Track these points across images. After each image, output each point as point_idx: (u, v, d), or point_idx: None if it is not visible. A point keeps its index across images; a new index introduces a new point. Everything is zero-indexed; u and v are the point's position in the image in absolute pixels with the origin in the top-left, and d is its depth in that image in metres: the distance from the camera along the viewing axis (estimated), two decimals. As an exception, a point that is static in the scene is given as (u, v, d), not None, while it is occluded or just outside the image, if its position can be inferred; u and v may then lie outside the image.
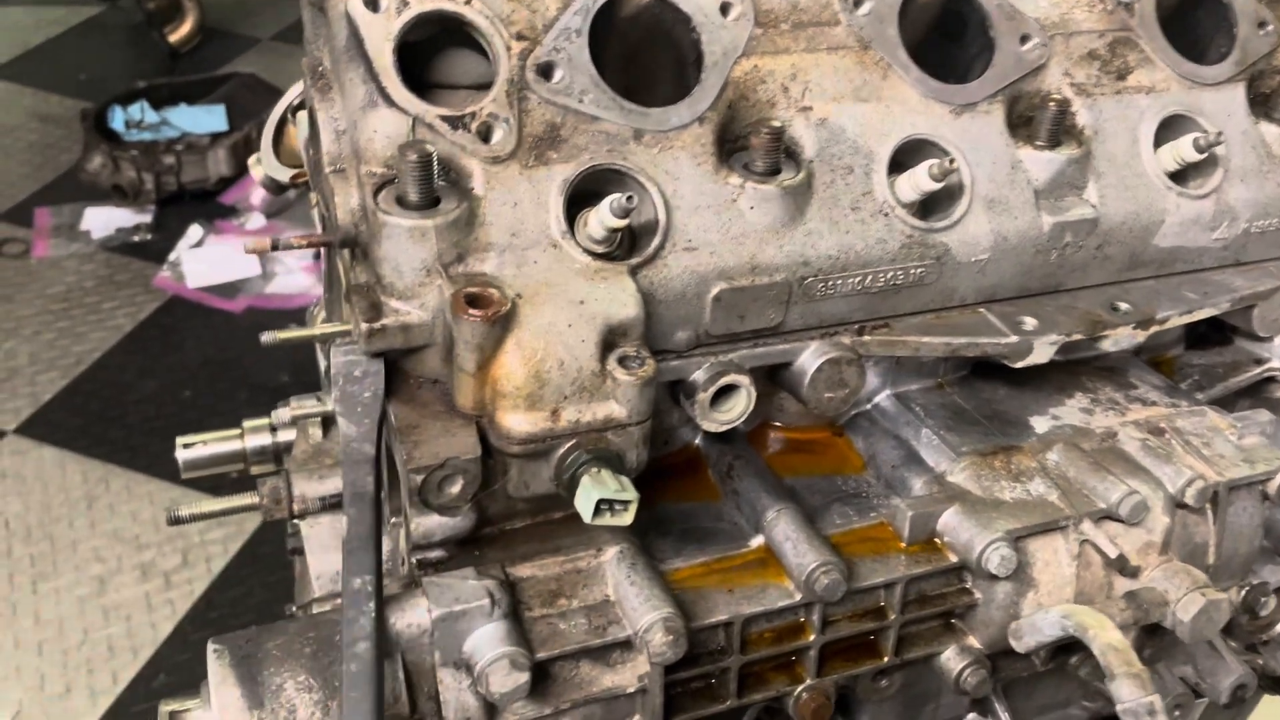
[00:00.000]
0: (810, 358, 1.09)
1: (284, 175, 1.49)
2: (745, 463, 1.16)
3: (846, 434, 1.24)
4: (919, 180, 1.07)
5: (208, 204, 4.68)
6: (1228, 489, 1.15)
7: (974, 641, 1.13)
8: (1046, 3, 1.19)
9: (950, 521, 1.10)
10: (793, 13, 1.10)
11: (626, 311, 0.96)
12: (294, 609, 1.43)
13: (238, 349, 3.99)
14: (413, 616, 0.94)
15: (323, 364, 1.53)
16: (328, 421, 1.46)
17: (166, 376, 3.88)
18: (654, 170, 1.02)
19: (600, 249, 0.99)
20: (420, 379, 0.99)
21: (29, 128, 5.24)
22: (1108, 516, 1.11)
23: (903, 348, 1.12)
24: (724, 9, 1.06)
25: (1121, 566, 1.11)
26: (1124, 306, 1.19)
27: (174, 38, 5.74)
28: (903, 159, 1.10)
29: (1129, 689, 1.01)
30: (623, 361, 0.96)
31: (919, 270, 1.11)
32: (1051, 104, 1.14)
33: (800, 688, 1.09)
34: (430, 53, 1.05)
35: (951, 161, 1.05)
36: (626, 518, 0.92)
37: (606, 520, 0.92)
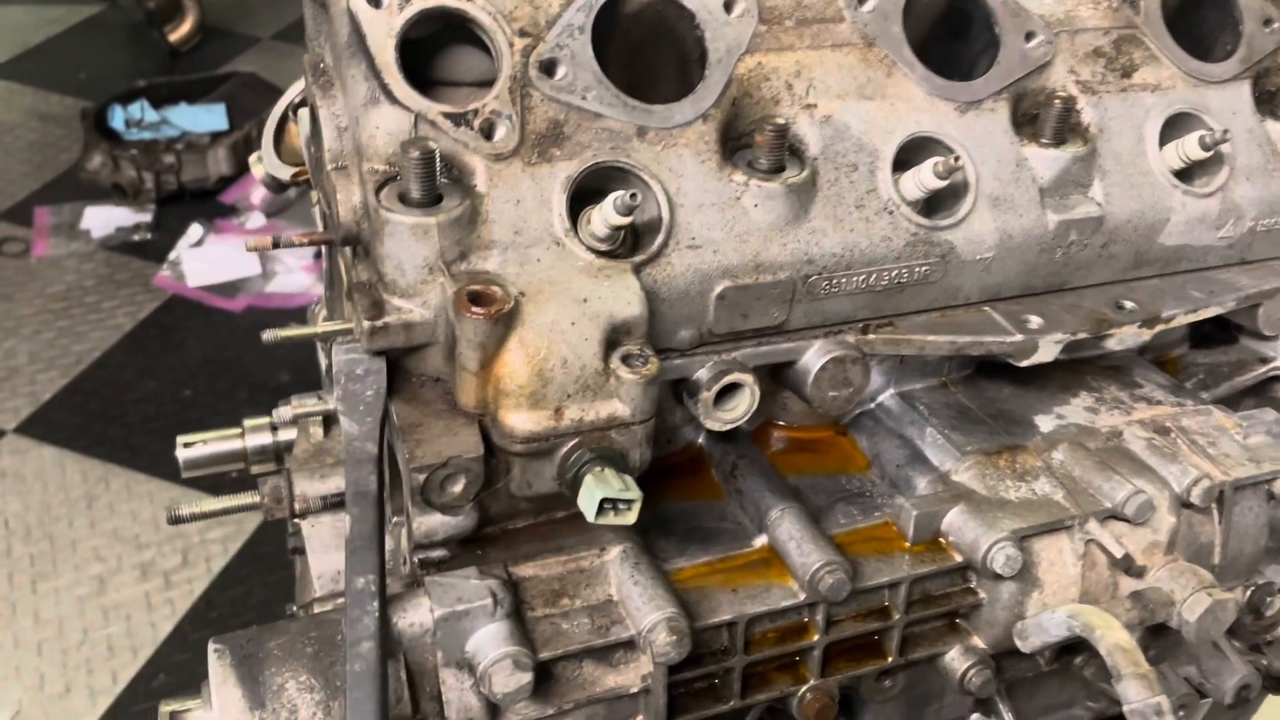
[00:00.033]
0: (814, 356, 1.08)
1: (285, 173, 1.49)
2: (749, 462, 1.16)
3: (850, 433, 1.24)
4: (924, 178, 1.06)
5: (208, 203, 4.67)
6: (1233, 488, 1.15)
7: (978, 642, 1.13)
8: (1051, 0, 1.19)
9: (955, 521, 1.09)
10: (797, 9, 1.10)
11: (630, 310, 0.96)
12: (295, 609, 1.43)
13: (238, 348, 3.99)
14: (415, 616, 0.94)
15: (324, 363, 1.53)
16: (329, 420, 1.46)
17: (166, 376, 3.88)
18: (657, 168, 1.02)
19: (603, 247, 0.99)
20: (422, 377, 0.99)
21: (29, 127, 5.24)
22: (1113, 516, 1.11)
23: (907, 346, 1.12)
24: (728, 6, 1.06)
25: (1127, 566, 1.11)
26: (1129, 305, 1.19)
27: (174, 37, 5.75)
28: (907, 157, 1.10)
29: (1136, 689, 1.01)
30: (626, 360, 0.95)
31: (923, 268, 1.10)
32: (1057, 101, 1.14)
33: (804, 688, 1.08)
34: (433, 49, 1.04)
35: (956, 159, 1.05)
36: (630, 517, 0.92)
37: (610, 519, 0.92)
